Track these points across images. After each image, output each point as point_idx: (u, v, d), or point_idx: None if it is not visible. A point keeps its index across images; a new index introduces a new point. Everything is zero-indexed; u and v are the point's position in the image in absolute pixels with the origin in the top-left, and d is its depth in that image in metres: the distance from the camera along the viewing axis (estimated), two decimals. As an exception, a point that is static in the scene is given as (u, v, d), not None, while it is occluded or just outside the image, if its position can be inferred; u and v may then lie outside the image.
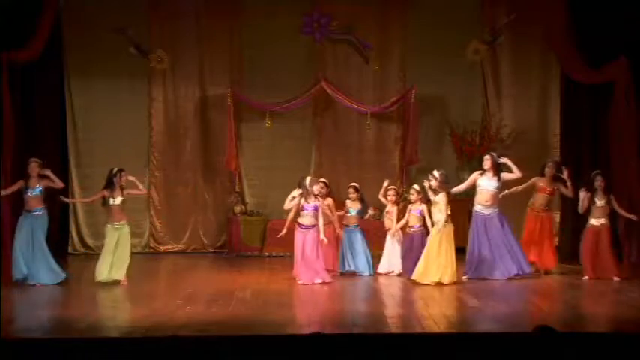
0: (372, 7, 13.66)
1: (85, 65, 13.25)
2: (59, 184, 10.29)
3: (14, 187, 10.07)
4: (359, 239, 10.95)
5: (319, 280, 10.04)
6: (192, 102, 13.67)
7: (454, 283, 9.92)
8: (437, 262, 9.94)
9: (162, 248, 13.61)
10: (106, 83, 13.41)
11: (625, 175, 10.86)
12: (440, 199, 10.05)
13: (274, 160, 13.61)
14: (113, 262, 10.13)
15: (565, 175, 10.82)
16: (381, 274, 10.82)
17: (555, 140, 13.08)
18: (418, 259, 10.18)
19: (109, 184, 10.16)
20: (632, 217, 10.41)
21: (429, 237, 10.14)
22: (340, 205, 11.13)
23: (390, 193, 11.08)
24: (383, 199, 11.18)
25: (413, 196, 10.56)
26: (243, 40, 13.55)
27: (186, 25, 13.50)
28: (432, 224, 10.14)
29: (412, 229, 10.60)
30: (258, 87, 13.46)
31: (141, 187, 10.57)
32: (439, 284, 9.85)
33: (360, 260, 10.87)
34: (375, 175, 13.08)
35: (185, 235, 13.66)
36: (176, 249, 13.60)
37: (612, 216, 10.70)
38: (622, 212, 10.45)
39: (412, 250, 10.46)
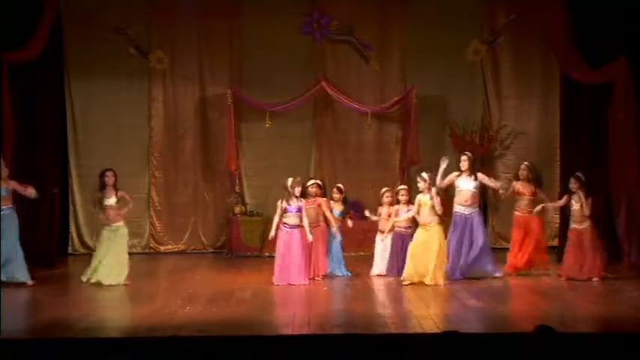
0: (372, 7, 13.65)
1: (85, 65, 13.25)
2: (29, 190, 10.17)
3: None
4: (337, 242, 10.92)
5: (294, 283, 10.02)
6: (192, 102, 13.67)
7: (447, 283, 9.93)
8: (425, 262, 9.96)
9: (162, 249, 13.61)
10: (106, 83, 13.42)
11: (625, 175, 10.85)
12: (429, 201, 10.06)
13: (274, 160, 13.59)
14: (112, 266, 10.14)
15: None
16: (380, 275, 10.80)
17: (555, 140, 13.07)
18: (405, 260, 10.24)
19: (102, 186, 10.25)
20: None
21: (414, 237, 10.17)
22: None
23: (388, 194, 11.08)
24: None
25: (403, 197, 10.59)
26: (242, 40, 13.54)
27: (186, 25, 13.49)
28: (419, 224, 10.18)
29: (402, 229, 10.61)
30: (258, 87, 13.46)
31: (130, 205, 10.44)
32: (434, 285, 9.86)
33: (330, 262, 10.84)
34: (376, 175, 13.09)
35: (185, 235, 13.65)
36: (176, 249, 13.60)
37: (607, 218, 10.73)
38: (586, 210, 10.16)
39: (402, 250, 10.44)
